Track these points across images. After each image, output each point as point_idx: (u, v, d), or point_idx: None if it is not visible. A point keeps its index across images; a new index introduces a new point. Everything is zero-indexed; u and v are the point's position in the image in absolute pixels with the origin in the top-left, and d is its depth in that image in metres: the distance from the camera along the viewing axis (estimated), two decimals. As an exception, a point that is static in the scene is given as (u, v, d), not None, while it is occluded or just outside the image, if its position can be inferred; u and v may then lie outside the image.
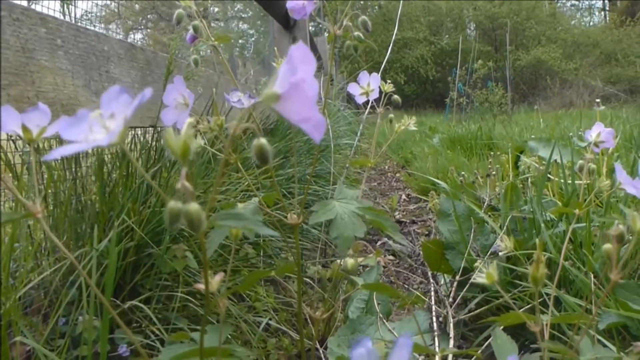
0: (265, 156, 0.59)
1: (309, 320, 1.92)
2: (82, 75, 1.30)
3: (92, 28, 1.34)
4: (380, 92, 1.24)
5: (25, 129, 0.66)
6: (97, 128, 0.54)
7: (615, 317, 1.27)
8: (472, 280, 0.79)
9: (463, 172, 3.73)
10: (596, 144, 1.26)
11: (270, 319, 1.75)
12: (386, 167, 8.20)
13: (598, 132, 1.25)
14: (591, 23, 36.18)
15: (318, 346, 1.77)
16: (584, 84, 23.03)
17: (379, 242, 3.21)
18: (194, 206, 0.53)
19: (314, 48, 5.78)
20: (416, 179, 5.53)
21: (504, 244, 1.08)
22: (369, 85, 1.18)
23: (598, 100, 2.17)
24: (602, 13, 36.47)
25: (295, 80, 0.51)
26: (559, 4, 35.63)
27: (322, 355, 1.67)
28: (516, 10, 29.90)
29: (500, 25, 29.04)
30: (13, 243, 1.21)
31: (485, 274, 0.73)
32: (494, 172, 2.97)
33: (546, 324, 0.94)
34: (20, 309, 1.32)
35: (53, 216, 1.52)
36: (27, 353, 1.38)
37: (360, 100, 1.20)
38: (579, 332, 1.13)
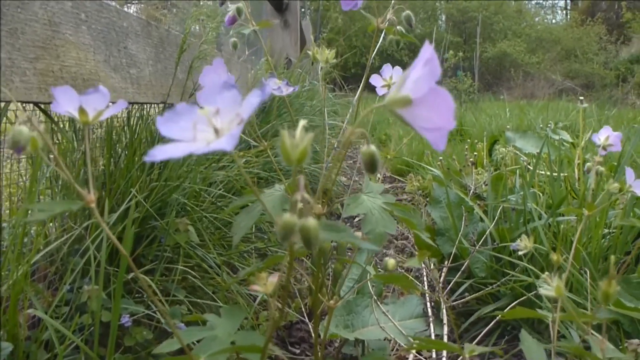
0: (375, 165, 0.52)
1: (297, 293, 1.89)
2: (103, 50, 1.22)
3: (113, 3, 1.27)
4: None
5: (82, 111, 0.58)
6: (203, 126, 0.47)
7: (607, 313, 1.25)
8: (537, 292, 0.76)
9: (440, 157, 3.70)
10: (604, 147, 1.22)
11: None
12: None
13: (607, 136, 1.22)
14: (554, 21, 36.48)
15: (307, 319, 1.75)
16: (544, 77, 23.25)
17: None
18: (312, 222, 0.46)
19: (301, 31, 5.69)
20: (391, 159, 5.50)
21: (523, 243, 1.05)
22: (391, 78, 1.13)
23: (582, 97, 2.15)
24: (565, 12, 36.76)
25: (435, 86, 0.43)
26: (524, 1, 35.76)
27: (311, 328, 1.64)
28: (485, 5, 29.93)
29: (470, 19, 29.05)
30: (27, 212, 1.15)
31: (554, 288, 0.69)
32: (472, 160, 2.95)
33: (553, 322, 0.91)
34: (29, 277, 1.26)
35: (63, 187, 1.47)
36: (33, 319, 1.32)
37: (381, 92, 1.15)
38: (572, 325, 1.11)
